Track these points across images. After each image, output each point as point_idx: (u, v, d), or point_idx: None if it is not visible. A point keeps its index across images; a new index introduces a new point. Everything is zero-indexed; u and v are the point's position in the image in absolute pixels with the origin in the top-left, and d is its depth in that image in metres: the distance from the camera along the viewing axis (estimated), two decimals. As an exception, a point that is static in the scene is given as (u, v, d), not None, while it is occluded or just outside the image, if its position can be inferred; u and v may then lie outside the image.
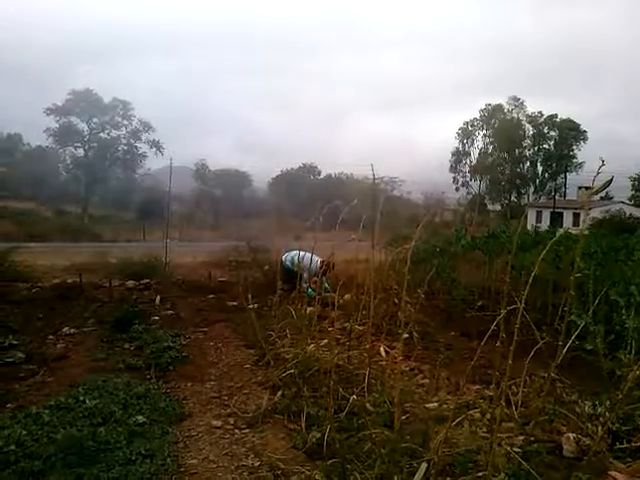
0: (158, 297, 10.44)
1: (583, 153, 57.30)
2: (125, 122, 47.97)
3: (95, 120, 46.94)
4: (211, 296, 11.04)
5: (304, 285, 8.84)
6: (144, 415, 4.77)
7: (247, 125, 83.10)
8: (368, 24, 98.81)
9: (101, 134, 47.63)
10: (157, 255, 14.28)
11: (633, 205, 47.02)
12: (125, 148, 48.50)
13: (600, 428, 4.12)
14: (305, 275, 9.09)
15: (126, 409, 4.86)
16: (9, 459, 3.82)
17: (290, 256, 10.38)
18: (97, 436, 4.23)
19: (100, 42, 77.72)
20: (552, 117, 58.55)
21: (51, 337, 7.66)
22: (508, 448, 3.66)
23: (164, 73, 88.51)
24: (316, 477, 3.71)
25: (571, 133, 57.50)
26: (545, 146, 59.73)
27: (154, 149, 48.22)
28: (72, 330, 8.02)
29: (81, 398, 4.96)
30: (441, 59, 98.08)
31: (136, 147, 48.64)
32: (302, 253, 9.32)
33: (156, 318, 8.86)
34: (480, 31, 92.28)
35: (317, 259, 9.48)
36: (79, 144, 47.14)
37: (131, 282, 12.02)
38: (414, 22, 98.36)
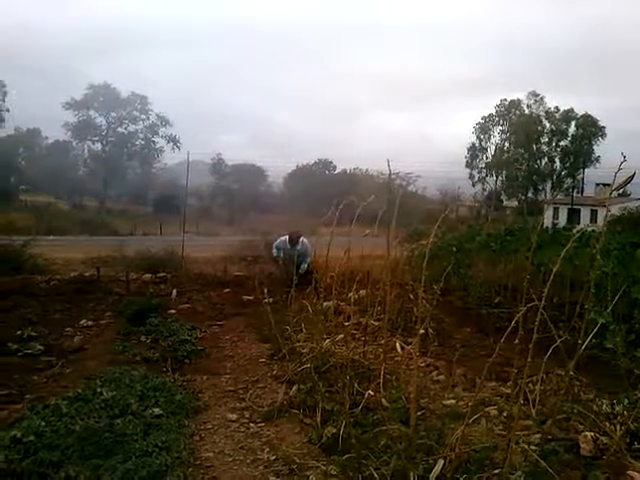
0: (174, 291, 10.49)
1: (600, 149, 56.63)
2: (143, 117, 48.35)
3: (113, 114, 47.35)
4: (227, 290, 11.07)
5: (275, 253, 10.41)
6: (160, 407, 4.79)
7: (264, 120, 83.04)
8: (387, 19, 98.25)
9: (119, 129, 48.01)
10: (174, 249, 14.35)
11: (652, 202, 46.28)
12: (142, 142, 48.86)
13: (618, 427, 4.08)
14: (273, 248, 10.50)
15: (142, 401, 4.89)
16: (28, 449, 3.86)
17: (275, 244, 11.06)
18: (114, 428, 4.25)
19: (117, 37, 78.48)
20: (569, 112, 57.83)
21: (69, 329, 7.74)
22: (525, 446, 3.63)
23: (181, 67, 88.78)
24: (331, 472, 3.71)
25: (590, 129, 56.76)
26: (562, 142, 59.05)
27: (171, 144, 48.52)
28: (89, 322, 8.11)
29: (98, 390, 4.99)
30: (460, 54, 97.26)
31: (153, 141, 49.01)
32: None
33: (172, 311, 8.91)
34: (499, 26, 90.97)
35: (285, 237, 10.34)
36: (97, 138, 47.62)
37: (148, 275, 12.08)
38: (432, 17, 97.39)
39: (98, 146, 47.88)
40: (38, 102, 64.79)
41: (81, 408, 4.65)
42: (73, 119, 45.90)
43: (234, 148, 79.51)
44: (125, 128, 48.32)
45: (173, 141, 48.38)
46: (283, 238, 10.18)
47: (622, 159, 3.70)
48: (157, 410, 4.73)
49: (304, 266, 9.54)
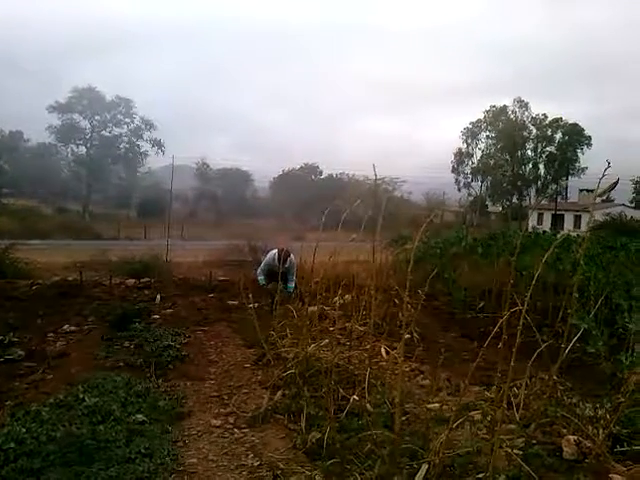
0: (158, 296, 10.43)
1: (588, 155, 57.23)
2: (127, 120, 47.94)
3: (97, 118, 46.91)
4: (211, 295, 11.03)
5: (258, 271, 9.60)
6: (144, 414, 4.76)
7: (250, 124, 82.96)
8: (374, 24, 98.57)
9: (103, 132, 47.61)
10: (158, 254, 14.28)
11: (634, 208, 46.91)
12: (127, 146, 48.46)
13: (601, 431, 4.11)
14: (262, 265, 9.61)
15: (126, 407, 4.85)
16: (8, 457, 3.81)
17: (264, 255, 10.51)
18: (96, 434, 4.21)
19: (101, 39, 77.74)
20: (557, 120, 58.51)
21: (51, 335, 7.64)
22: (509, 450, 3.65)
23: (166, 71, 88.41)
24: (316, 477, 3.70)
25: (576, 137, 57.44)
26: (548, 149, 59.68)
27: (156, 147, 48.22)
28: (72, 328, 8.01)
29: (81, 396, 4.95)
30: (451, 60, 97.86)
31: (138, 145, 48.62)
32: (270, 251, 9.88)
33: (156, 317, 8.85)
34: (491, 32, 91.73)
35: (274, 251, 9.68)
36: (81, 142, 47.11)
37: (131, 280, 12.01)
38: (420, 22, 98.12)
39: (82, 149, 47.40)
40: (21, 104, 64.02)
41: (63, 415, 4.60)
42: (57, 122, 45.57)
43: (220, 152, 79.34)
44: (109, 131, 47.90)
45: (158, 145, 48.06)
46: (271, 254, 9.68)
47: (607, 166, 3.76)
48: (140, 416, 4.70)
49: (291, 286, 9.39)
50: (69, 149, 47.58)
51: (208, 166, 50.15)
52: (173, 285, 11.98)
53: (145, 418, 4.67)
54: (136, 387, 5.38)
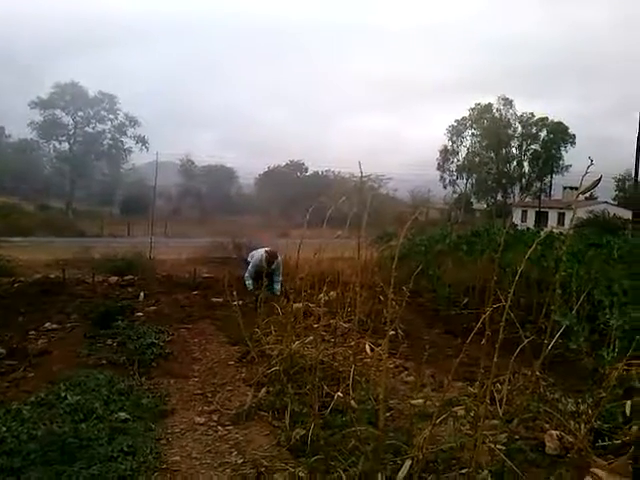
0: (142, 293, 10.35)
1: (573, 153, 57.82)
2: (111, 116, 47.60)
3: (80, 114, 46.49)
4: (195, 292, 10.97)
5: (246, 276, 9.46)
6: (126, 412, 4.73)
7: (236, 121, 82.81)
8: (368, 23, 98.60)
9: (86, 128, 47.18)
10: (141, 251, 14.17)
11: (617, 205, 47.45)
12: (110, 143, 48.11)
13: (583, 426, 4.15)
14: (250, 268, 9.46)
15: (108, 405, 4.82)
16: (-12, 456, 3.76)
17: (250, 255, 10.28)
18: (78, 433, 4.18)
19: (85, 34, 76.75)
20: (543, 119, 59.03)
21: (33, 332, 7.55)
22: (492, 445, 3.66)
23: (155, 67, 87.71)
24: (300, 474, 3.69)
25: (560, 135, 57.97)
26: (533, 147, 60.17)
27: (139, 144, 47.91)
28: (54, 326, 7.92)
29: (62, 394, 4.91)
30: (437, 58, 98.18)
31: (121, 142, 48.30)
32: (256, 251, 9.76)
33: (140, 314, 8.77)
34: (479, 31, 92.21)
35: (262, 251, 9.56)
36: (64, 138, 46.67)
37: (114, 278, 11.92)
38: (413, 21, 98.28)
39: (65, 146, 46.98)
40: (3, 100, 63.20)
41: (44, 413, 4.56)
42: (39, 118, 45.05)
43: (205, 149, 79.02)
44: (93, 128, 47.51)
45: (142, 141, 47.77)
46: (258, 255, 9.55)
47: (589, 164, 3.78)
48: (123, 414, 4.67)
49: (277, 287, 9.33)
50: (51, 145, 47.16)
51: (192, 163, 50.02)
52: (157, 283, 11.89)
53: (128, 416, 4.64)
54: (119, 385, 5.34)
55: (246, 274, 9.55)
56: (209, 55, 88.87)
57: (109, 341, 7.16)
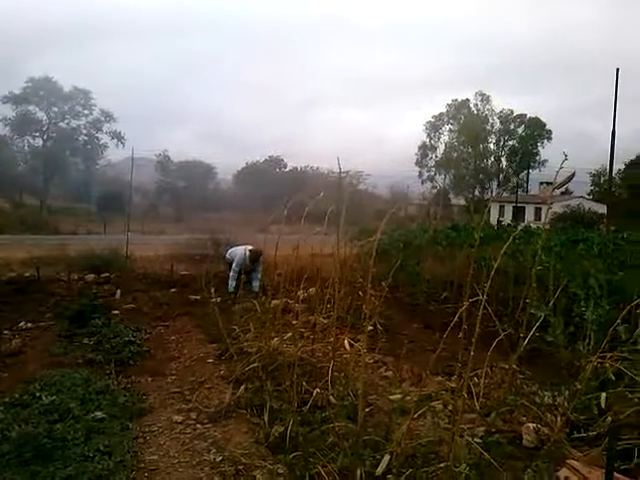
0: (119, 291, 10.24)
1: (551, 149, 58.58)
2: (86, 112, 46.80)
3: (54, 109, 45.67)
4: (173, 290, 10.89)
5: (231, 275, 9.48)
6: (103, 411, 4.67)
7: (213, 116, 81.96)
8: (340, 15, 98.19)
9: (61, 124, 46.40)
10: (118, 248, 13.99)
11: (592, 200, 48.14)
12: (86, 139, 47.37)
13: (559, 418, 4.20)
14: (234, 267, 9.45)
15: (84, 405, 4.76)
16: (-40, 457, 3.69)
17: (228, 252, 10.31)
18: (53, 433, 4.12)
19: (59, 28, 75.12)
20: (521, 116, 59.72)
21: (7, 332, 7.44)
22: (469, 439, 3.69)
23: (127, 62, 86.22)
24: (278, 471, 3.68)
25: (537, 131, 58.70)
26: (510, 142, 60.81)
27: (115, 140, 47.26)
28: (29, 325, 7.82)
29: (37, 394, 4.84)
30: (416, 53, 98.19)
31: (97, 138, 47.57)
32: (235, 248, 9.78)
33: (116, 312, 8.68)
34: (459, 26, 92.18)
35: (245, 248, 9.55)
36: (37, 134, 45.84)
37: (91, 276, 11.79)
38: (389, 15, 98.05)
39: (39, 142, 46.16)
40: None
41: (18, 414, 4.49)
42: (12, 113, 44.21)
43: (183, 145, 78.14)
44: (67, 123, 46.74)
45: (117, 137, 47.09)
46: (240, 252, 9.55)
47: (564, 159, 3.83)
48: (100, 414, 4.61)
49: (256, 284, 9.28)
50: (25, 141, 46.30)
51: (170, 159, 49.41)
52: (134, 280, 11.79)
53: (104, 415, 4.59)
54: (95, 384, 5.28)
55: (231, 273, 9.49)
56: (179, 51, 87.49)
57: (85, 340, 7.08)
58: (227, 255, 10.14)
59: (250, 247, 9.56)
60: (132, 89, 77.99)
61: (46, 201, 44.31)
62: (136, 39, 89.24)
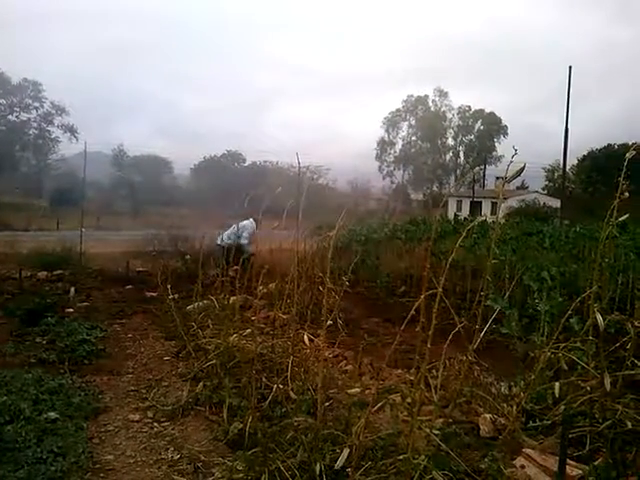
0: (72, 288, 9.97)
1: (507, 145, 59.96)
2: (36, 104, 45.45)
3: (2, 101, 44.20)
4: (129, 287, 10.69)
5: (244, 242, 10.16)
6: (57, 411, 4.55)
7: (171, 110, 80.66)
8: (300, 6, 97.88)
9: (9, 117, 44.93)
10: (72, 244, 13.66)
11: (547, 195, 49.40)
12: (36, 132, 46.00)
13: (515, 408, 4.28)
14: (247, 235, 10.32)
15: (37, 405, 4.62)
16: None
17: (225, 233, 10.66)
18: (4, 435, 3.99)
19: (6, 15, 72.51)
20: (480, 111, 60.74)
21: (-47, 332, 7.16)
22: (428, 431, 3.72)
23: (77, 53, 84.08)
24: (237, 467, 3.65)
25: (492, 127, 59.89)
26: (468, 138, 61.89)
27: (68, 134, 46.05)
28: (-23, 324, 7.53)
29: (-14, 396, 4.66)
30: (375, 48, 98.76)
31: (48, 131, 46.28)
32: (240, 223, 10.31)
33: (70, 310, 8.46)
34: (419, 23, 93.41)
35: (250, 220, 10.43)
36: (-16, 127, 44.34)
37: (43, 273, 11.49)
38: (352, 12, 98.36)
39: (-14, 135, 44.67)
40: None
41: (-35, 417, 4.32)
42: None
43: (138, 139, 76.77)
44: (16, 116, 45.31)
45: (70, 131, 45.95)
46: (249, 224, 10.37)
47: (514, 153, 3.90)
48: (53, 414, 4.49)
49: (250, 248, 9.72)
50: (-30, 134, 44.70)
51: (125, 153, 48.41)
52: (88, 277, 11.56)
53: (58, 416, 4.47)
54: (48, 384, 5.13)
55: (244, 241, 10.18)
56: (134, 43, 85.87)
57: (38, 339, 6.89)
58: (224, 237, 10.37)
59: (250, 218, 10.36)
60: (77, 79, 75.83)
61: (-6, 196, 42.86)
62: (71, 25, 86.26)
